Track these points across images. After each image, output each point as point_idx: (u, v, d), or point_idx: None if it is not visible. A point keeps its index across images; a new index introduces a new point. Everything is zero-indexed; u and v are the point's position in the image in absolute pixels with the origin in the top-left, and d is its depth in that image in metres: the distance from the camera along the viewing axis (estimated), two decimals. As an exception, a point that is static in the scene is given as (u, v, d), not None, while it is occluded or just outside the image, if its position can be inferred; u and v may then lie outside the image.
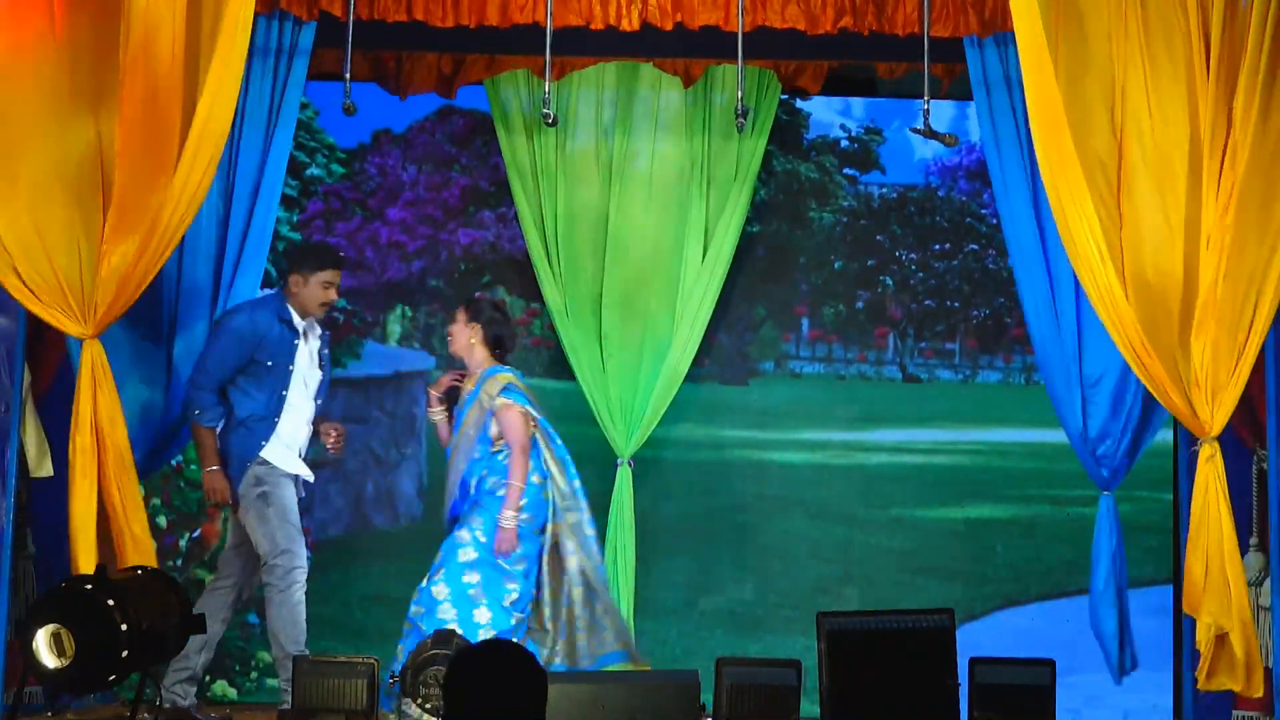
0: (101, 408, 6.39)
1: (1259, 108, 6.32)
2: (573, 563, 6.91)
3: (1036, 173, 7.01)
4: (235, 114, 7.09)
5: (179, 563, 7.90)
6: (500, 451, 6.89)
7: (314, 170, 8.13)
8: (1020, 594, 7.97)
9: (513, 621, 6.81)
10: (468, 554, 6.82)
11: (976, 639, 7.41)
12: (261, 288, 7.83)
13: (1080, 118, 6.35)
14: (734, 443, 7.66)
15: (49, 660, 5.96)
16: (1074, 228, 6.27)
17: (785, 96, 7.87)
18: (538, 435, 6.92)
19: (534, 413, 6.89)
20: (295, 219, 8.09)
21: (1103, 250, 6.27)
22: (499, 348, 6.99)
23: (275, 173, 7.14)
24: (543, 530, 6.91)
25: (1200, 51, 6.34)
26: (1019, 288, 7.17)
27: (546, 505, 6.93)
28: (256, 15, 7.01)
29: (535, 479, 6.90)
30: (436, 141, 8.21)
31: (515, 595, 6.82)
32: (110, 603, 5.93)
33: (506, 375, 6.94)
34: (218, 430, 6.81)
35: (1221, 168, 6.35)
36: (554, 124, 7.00)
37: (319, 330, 6.98)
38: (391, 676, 6.61)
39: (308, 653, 6.69)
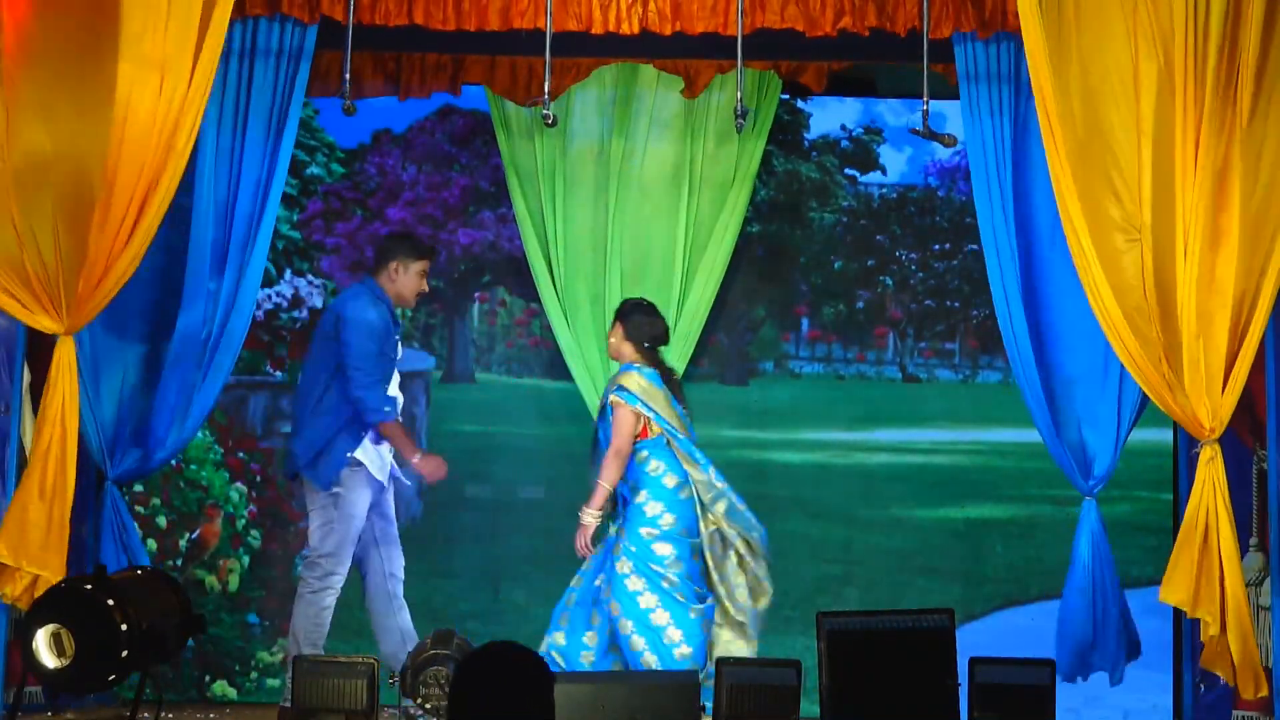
0: (67, 406, 6.41)
1: (1259, 109, 6.32)
2: (740, 545, 6.88)
3: (1019, 171, 7.04)
4: (238, 115, 7.13)
5: (179, 563, 7.89)
6: (635, 452, 6.87)
7: (314, 169, 8.13)
8: (1020, 594, 7.96)
9: (693, 615, 6.76)
10: (635, 583, 6.79)
11: (976, 639, 7.40)
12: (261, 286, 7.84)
13: (1089, 116, 6.36)
14: (734, 443, 7.66)
15: (49, 660, 5.97)
16: (1079, 231, 6.29)
17: (785, 96, 7.87)
18: (665, 436, 6.88)
19: (646, 413, 6.84)
20: (295, 218, 8.09)
21: (1102, 254, 6.29)
22: (647, 343, 6.99)
23: (279, 174, 7.13)
24: (692, 533, 6.84)
25: (1195, 50, 6.34)
26: (991, 288, 7.11)
27: (689, 505, 6.86)
28: (259, 18, 7.04)
29: (669, 480, 6.84)
30: (436, 141, 8.21)
31: (684, 598, 6.78)
32: (110, 603, 5.94)
33: (627, 374, 6.93)
34: (397, 420, 6.78)
35: (1220, 169, 6.36)
36: (554, 124, 7.01)
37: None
38: (391, 676, 6.61)
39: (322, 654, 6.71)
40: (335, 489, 6.81)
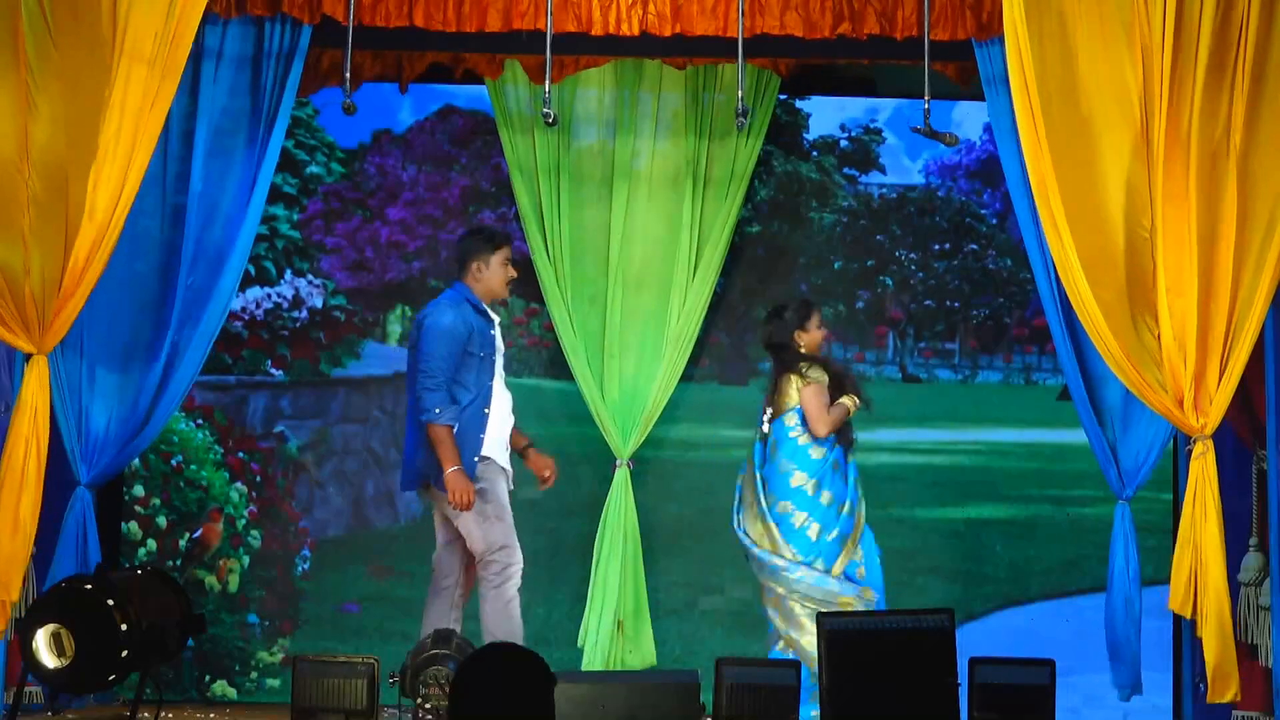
0: (40, 429, 6.41)
1: (1252, 107, 6.32)
2: None
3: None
4: (234, 115, 7.13)
5: (179, 563, 7.90)
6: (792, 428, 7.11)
7: (314, 169, 8.14)
8: (1020, 594, 7.96)
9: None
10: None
11: (976, 639, 7.40)
12: (256, 284, 7.86)
13: (1075, 112, 6.35)
14: (734, 443, 7.65)
15: (49, 660, 5.96)
16: (1060, 229, 6.29)
17: (784, 96, 7.87)
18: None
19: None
20: (295, 218, 8.10)
21: (1083, 252, 6.29)
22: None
23: (267, 173, 7.11)
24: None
25: (1188, 45, 6.34)
26: (1040, 292, 7.07)
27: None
28: (257, 18, 7.05)
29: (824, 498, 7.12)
30: (436, 141, 8.21)
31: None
32: (110, 603, 5.94)
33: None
34: (454, 429, 6.73)
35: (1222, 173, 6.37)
36: (554, 124, 7.01)
37: (497, 317, 7.02)
38: (391, 676, 6.61)
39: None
40: (479, 484, 6.77)
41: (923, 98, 6.65)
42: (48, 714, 6.63)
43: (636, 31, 6.98)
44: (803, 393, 7.10)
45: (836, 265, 8.21)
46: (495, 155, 8.00)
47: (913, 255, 8.21)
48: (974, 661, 6.32)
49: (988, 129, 7.90)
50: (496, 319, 6.97)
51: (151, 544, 7.85)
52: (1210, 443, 6.36)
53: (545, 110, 6.76)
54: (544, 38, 6.71)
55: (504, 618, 6.74)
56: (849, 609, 6.83)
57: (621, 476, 7.52)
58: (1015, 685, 6.28)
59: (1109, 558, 6.98)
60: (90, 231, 6.39)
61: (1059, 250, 6.33)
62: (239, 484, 7.99)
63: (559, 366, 7.81)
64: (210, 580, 7.91)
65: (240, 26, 7.07)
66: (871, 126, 8.22)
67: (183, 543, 7.93)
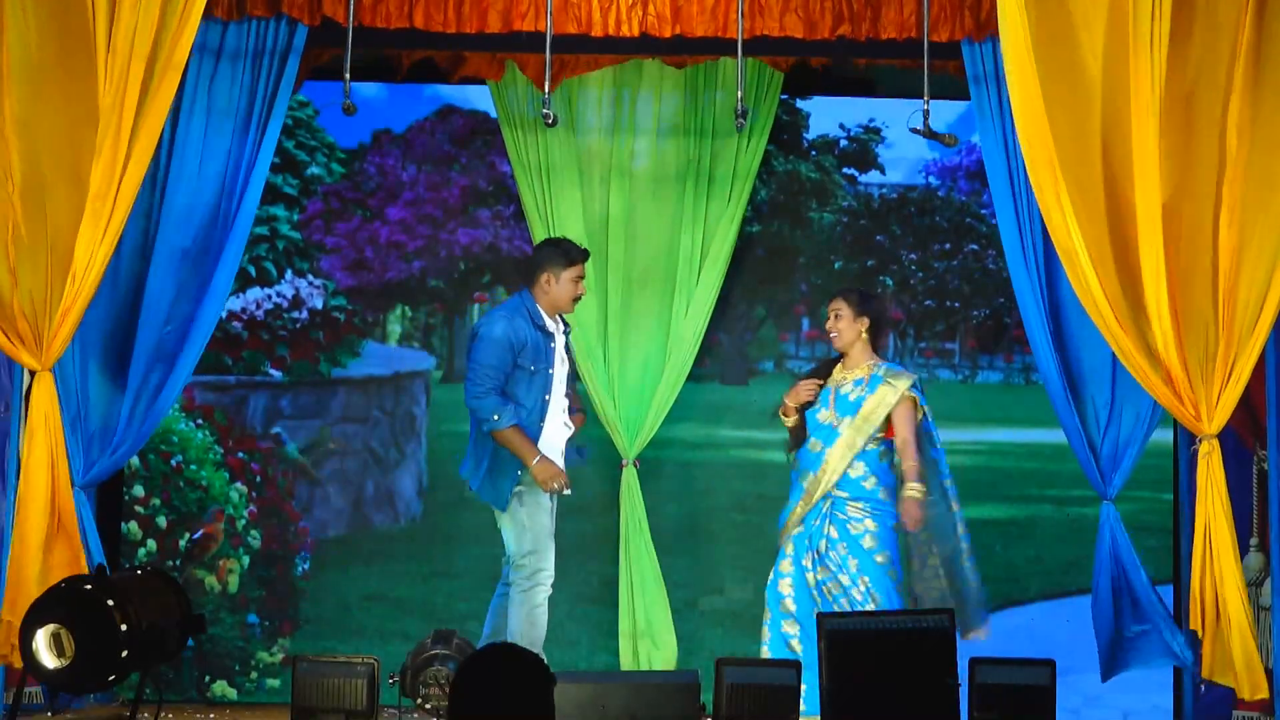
0: (55, 445, 6.44)
1: (1261, 102, 6.33)
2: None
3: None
4: (229, 115, 7.13)
5: (179, 563, 7.89)
6: (877, 448, 6.92)
7: (314, 169, 8.14)
8: (1020, 594, 7.96)
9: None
10: (884, 558, 6.89)
11: (976, 639, 7.41)
12: (256, 285, 7.86)
13: (1080, 110, 6.36)
14: (734, 443, 7.66)
15: (49, 660, 5.96)
16: (1060, 222, 6.30)
17: (785, 96, 7.87)
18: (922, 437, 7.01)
19: (924, 408, 6.97)
20: (295, 218, 8.10)
21: (1090, 247, 6.29)
22: (881, 337, 7.11)
23: (261, 171, 7.12)
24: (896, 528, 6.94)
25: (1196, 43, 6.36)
26: (1016, 292, 7.11)
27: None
28: (255, 18, 7.05)
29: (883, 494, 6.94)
30: (436, 141, 8.21)
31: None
32: (110, 603, 5.93)
33: (910, 374, 7.01)
34: (518, 426, 6.68)
35: (1223, 177, 6.37)
36: (554, 124, 7.02)
37: (563, 325, 6.96)
38: (391, 676, 6.61)
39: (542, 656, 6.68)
40: (518, 488, 6.76)
41: (923, 98, 6.67)
42: (47, 714, 6.63)
43: (636, 33, 7.00)
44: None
45: (836, 265, 8.21)
46: (495, 155, 8.01)
47: (913, 255, 8.21)
48: (974, 661, 6.32)
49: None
50: (560, 328, 6.90)
51: (151, 544, 7.85)
52: (1216, 442, 6.37)
53: (545, 111, 6.77)
54: (544, 39, 6.72)
55: (528, 623, 6.73)
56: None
57: (629, 476, 7.53)
58: (1015, 685, 6.27)
59: (1094, 559, 6.99)
60: (89, 240, 6.39)
61: (1066, 242, 6.33)
62: (239, 484, 7.99)
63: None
64: (210, 580, 7.91)
65: (237, 26, 7.08)
66: (871, 126, 8.22)
67: (183, 543, 7.93)
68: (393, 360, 8.13)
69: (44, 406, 6.44)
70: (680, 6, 6.94)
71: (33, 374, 6.48)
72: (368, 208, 8.16)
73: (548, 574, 6.76)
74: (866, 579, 6.81)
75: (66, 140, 6.42)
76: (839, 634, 6.18)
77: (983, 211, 8.19)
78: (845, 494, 6.87)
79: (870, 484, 6.88)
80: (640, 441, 7.58)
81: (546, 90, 6.73)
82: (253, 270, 7.89)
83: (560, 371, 6.88)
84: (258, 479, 8.00)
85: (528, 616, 6.72)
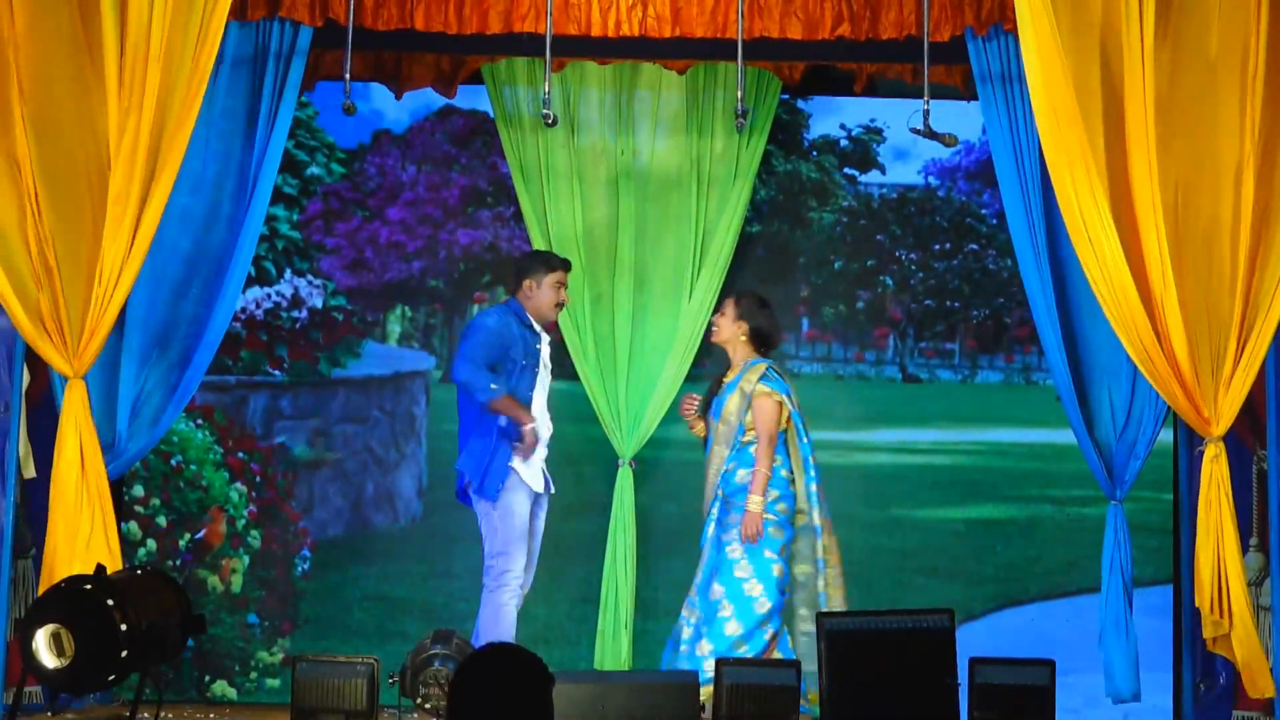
0: (86, 449, 6.46)
1: (1270, 107, 6.33)
2: (798, 567, 6.99)
3: (1039, 171, 7.03)
4: (235, 117, 7.13)
5: (179, 563, 7.89)
6: (751, 443, 6.96)
7: (314, 170, 8.13)
8: (1020, 594, 7.96)
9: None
10: (744, 570, 6.88)
11: (976, 639, 7.41)
12: (256, 285, 7.85)
13: (1084, 110, 6.36)
14: (734, 443, 7.63)
15: (49, 660, 5.96)
16: (1084, 224, 6.30)
17: (785, 96, 7.86)
18: (789, 431, 6.98)
19: (789, 405, 6.96)
20: (295, 218, 8.09)
21: (1113, 248, 6.29)
22: (764, 344, 7.11)
23: (269, 173, 7.12)
24: (792, 521, 6.96)
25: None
26: (1028, 292, 7.10)
27: (794, 498, 6.99)
28: (256, 20, 7.04)
29: (785, 472, 6.95)
30: (436, 141, 8.21)
31: (768, 606, 6.89)
32: (110, 603, 5.93)
33: (763, 364, 7.02)
34: (506, 395, 6.82)
35: (1239, 179, 6.37)
36: (554, 124, 7.02)
37: (546, 335, 7.09)
38: (391, 677, 6.61)
39: None
40: (501, 488, 6.87)
41: (923, 98, 6.67)
42: (47, 714, 6.63)
43: (636, 34, 6.99)
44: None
45: (836, 265, 8.20)
46: (494, 155, 8.00)
47: (913, 255, 8.20)
48: (974, 662, 6.32)
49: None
50: (545, 338, 7.05)
51: (151, 544, 7.85)
52: (1223, 445, 6.38)
53: (545, 111, 6.77)
54: (544, 40, 6.71)
55: (493, 622, 6.81)
56: None
57: (624, 476, 7.53)
58: (1015, 685, 6.28)
59: (1102, 562, 6.99)
60: (116, 251, 6.41)
61: (1097, 242, 6.32)
62: (239, 484, 7.99)
63: (559, 366, 7.80)
64: (213, 580, 7.91)
65: (241, 29, 7.07)
66: (872, 126, 8.21)
67: (182, 543, 7.92)
68: (393, 360, 8.13)
69: (75, 413, 6.49)
70: (680, 8, 6.94)
71: (64, 380, 6.52)
72: (368, 208, 8.16)
73: (515, 576, 6.84)
74: (724, 586, 6.87)
75: (92, 150, 6.44)
76: (839, 634, 6.19)
77: (983, 211, 8.19)
78: (726, 495, 6.95)
79: (741, 478, 6.92)
80: (637, 442, 7.58)
81: (546, 90, 6.73)
82: (252, 270, 7.89)
83: (544, 376, 7.02)
84: (257, 479, 8.00)
85: (493, 615, 6.81)
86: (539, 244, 7.66)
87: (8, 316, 6.50)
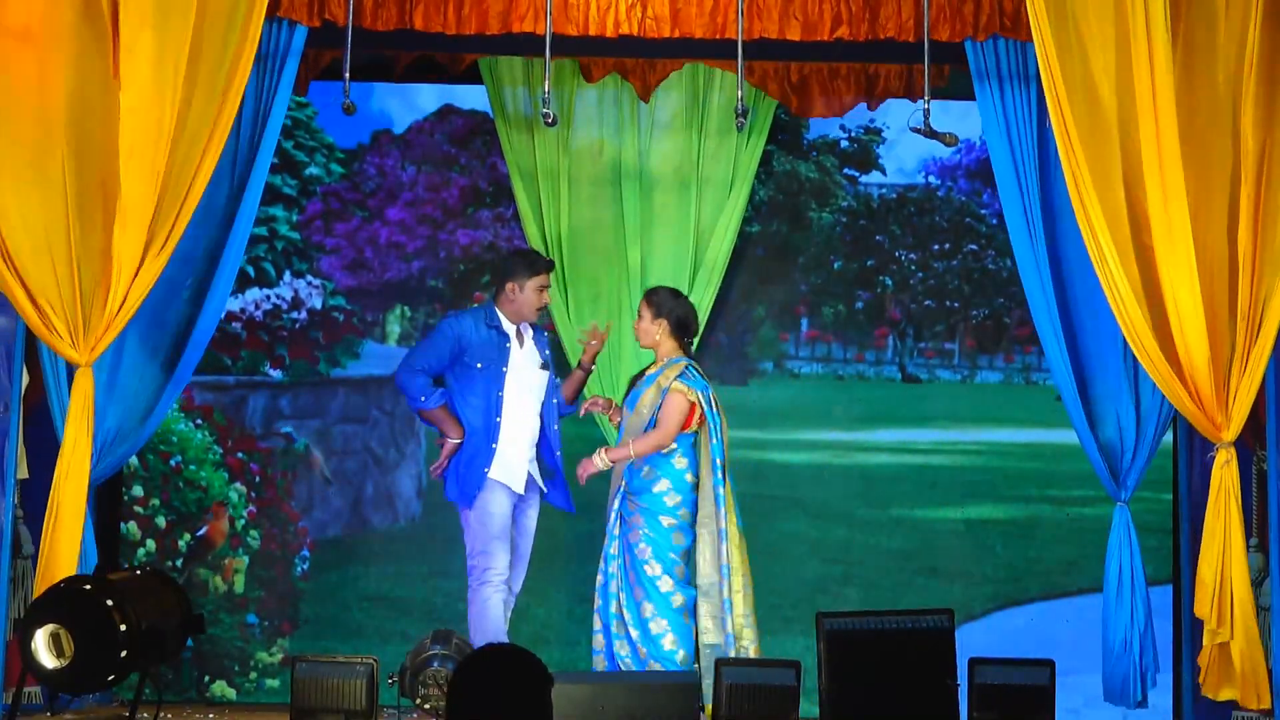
0: (80, 443, 6.48)
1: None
2: (703, 572, 6.94)
3: (1043, 168, 7.03)
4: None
5: (179, 563, 7.89)
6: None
7: (313, 170, 8.13)
8: (1020, 594, 7.96)
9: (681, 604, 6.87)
10: (653, 569, 6.85)
11: (976, 639, 7.41)
12: (255, 285, 7.86)
13: (1106, 120, 6.35)
14: (733, 443, 7.60)
15: (48, 660, 5.96)
16: (1096, 231, 6.29)
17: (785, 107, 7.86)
18: (701, 433, 6.94)
19: (704, 406, 6.90)
20: (295, 219, 8.09)
21: (1124, 253, 6.29)
22: (685, 333, 7.03)
23: (260, 172, 7.11)
24: (694, 525, 6.91)
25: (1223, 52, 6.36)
26: (1028, 294, 7.09)
27: (696, 504, 6.93)
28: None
29: (690, 477, 6.90)
30: (436, 142, 8.21)
31: (683, 600, 6.87)
32: (110, 603, 5.93)
33: (683, 363, 6.95)
34: (446, 405, 6.88)
35: (1238, 183, 6.36)
36: (553, 124, 7.01)
37: (533, 332, 7.06)
38: (390, 677, 6.61)
39: None
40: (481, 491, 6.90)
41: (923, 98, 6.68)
42: (47, 714, 6.63)
43: (635, 34, 6.99)
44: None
45: (836, 265, 8.20)
46: (494, 155, 8.00)
47: (913, 255, 8.20)
48: (974, 662, 6.32)
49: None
50: (520, 335, 6.98)
51: (151, 544, 7.85)
52: (1233, 450, 6.37)
53: (545, 111, 6.77)
54: (543, 40, 6.71)
55: (480, 617, 6.83)
56: None
57: (626, 475, 7.54)
58: (1015, 686, 6.28)
59: (1106, 563, 6.98)
60: (134, 242, 6.41)
61: (1099, 257, 6.33)
62: (238, 484, 7.99)
63: (559, 366, 7.79)
64: (216, 580, 7.91)
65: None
66: (872, 126, 8.21)
67: (182, 543, 7.92)
68: (393, 360, 8.10)
69: (81, 400, 6.48)
70: (679, 8, 6.94)
71: (73, 368, 6.52)
72: (367, 208, 8.16)
73: (497, 573, 6.84)
74: (633, 574, 6.85)
75: (110, 146, 6.45)
76: (839, 634, 6.19)
77: (982, 211, 8.18)
78: (631, 491, 6.92)
79: (647, 474, 6.88)
80: (639, 441, 7.57)
81: (546, 90, 6.73)
82: (251, 271, 7.88)
83: (528, 376, 6.96)
84: (257, 479, 8.00)
85: (480, 612, 6.82)
86: (536, 244, 7.67)
87: (11, 305, 6.47)
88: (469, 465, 6.85)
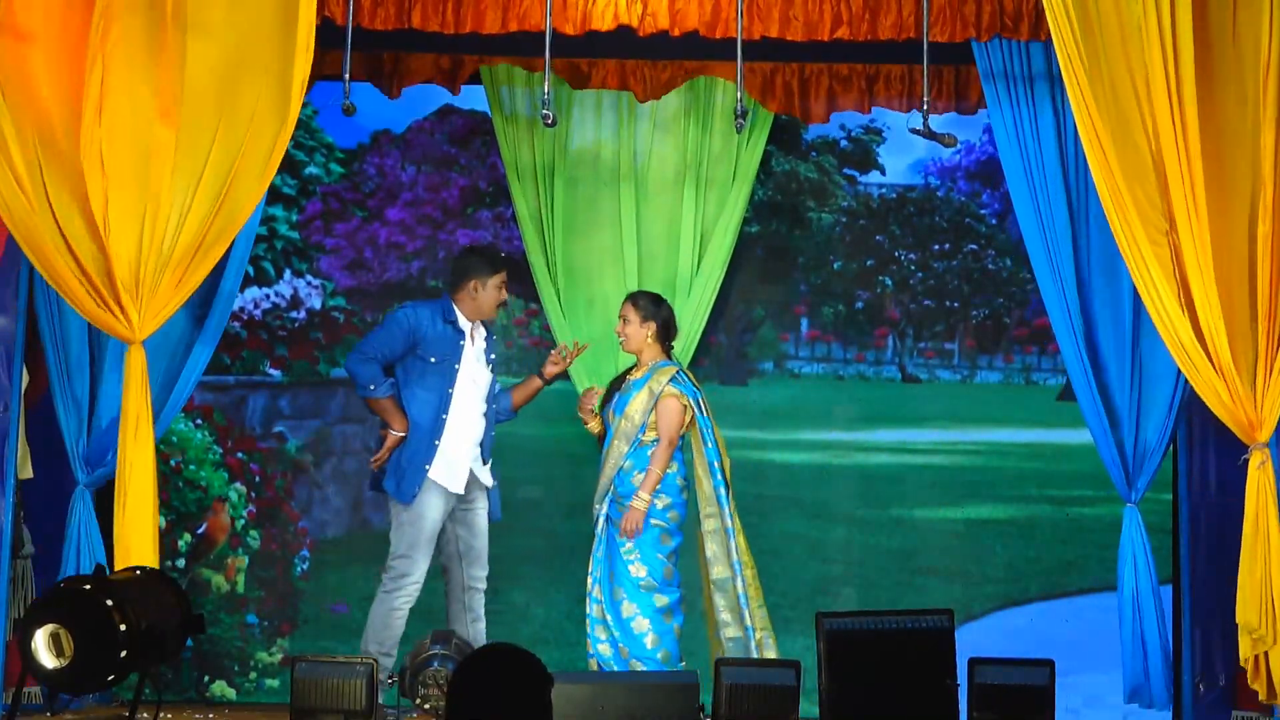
0: (142, 419, 6.47)
1: None
2: (716, 570, 6.99)
3: (1051, 169, 7.03)
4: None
5: (179, 563, 7.89)
6: (652, 444, 6.94)
7: (313, 170, 8.13)
8: (1020, 594, 7.96)
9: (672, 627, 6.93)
10: (638, 570, 6.90)
11: (976, 639, 7.40)
12: (255, 285, 7.86)
13: (1129, 123, 6.33)
14: (733, 443, 7.63)
15: (48, 660, 5.95)
16: (1133, 237, 6.26)
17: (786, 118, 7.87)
18: (692, 436, 6.97)
19: (695, 409, 6.95)
20: (294, 219, 8.09)
21: (1160, 256, 6.27)
22: (668, 337, 7.10)
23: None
24: (682, 528, 6.97)
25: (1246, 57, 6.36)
26: (1044, 294, 7.08)
27: (686, 506, 6.99)
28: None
29: (680, 480, 6.96)
30: (435, 142, 8.21)
31: (665, 601, 6.91)
32: (109, 603, 5.92)
33: (673, 367, 7.01)
34: (394, 397, 6.88)
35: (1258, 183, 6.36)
36: (553, 124, 7.01)
37: (484, 331, 7.06)
38: (390, 677, 6.61)
39: (393, 656, 6.73)
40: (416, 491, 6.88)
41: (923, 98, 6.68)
42: (47, 714, 6.63)
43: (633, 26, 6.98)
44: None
45: (836, 265, 8.20)
46: (494, 155, 8.00)
47: (912, 255, 8.20)
48: (974, 662, 6.31)
49: (987, 130, 7.89)
50: (473, 334, 6.98)
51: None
52: (1268, 451, 6.34)
53: (544, 111, 6.76)
54: (543, 40, 6.71)
55: (381, 623, 6.85)
56: None
57: (622, 476, 7.54)
58: (1015, 686, 6.27)
59: (1118, 564, 6.98)
60: (198, 219, 6.38)
61: (1138, 263, 6.31)
62: (238, 484, 7.99)
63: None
64: (218, 580, 7.91)
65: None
66: (872, 126, 8.21)
67: (182, 543, 7.92)
68: (392, 360, 8.12)
69: (136, 376, 6.46)
70: (679, 8, 6.93)
71: (126, 345, 6.49)
72: (367, 208, 8.16)
73: (413, 582, 6.85)
74: (614, 575, 6.90)
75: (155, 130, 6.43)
76: (839, 634, 6.19)
77: (982, 212, 8.19)
78: (619, 493, 6.94)
79: (637, 479, 6.91)
80: (639, 442, 7.58)
81: (546, 90, 6.72)
82: (251, 270, 7.88)
83: (476, 374, 6.96)
84: (257, 479, 8.00)
85: (383, 618, 6.84)
86: (534, 244, 7.67)
87: (12, 306, 6.45)
88: (410, 461, 6.84)
